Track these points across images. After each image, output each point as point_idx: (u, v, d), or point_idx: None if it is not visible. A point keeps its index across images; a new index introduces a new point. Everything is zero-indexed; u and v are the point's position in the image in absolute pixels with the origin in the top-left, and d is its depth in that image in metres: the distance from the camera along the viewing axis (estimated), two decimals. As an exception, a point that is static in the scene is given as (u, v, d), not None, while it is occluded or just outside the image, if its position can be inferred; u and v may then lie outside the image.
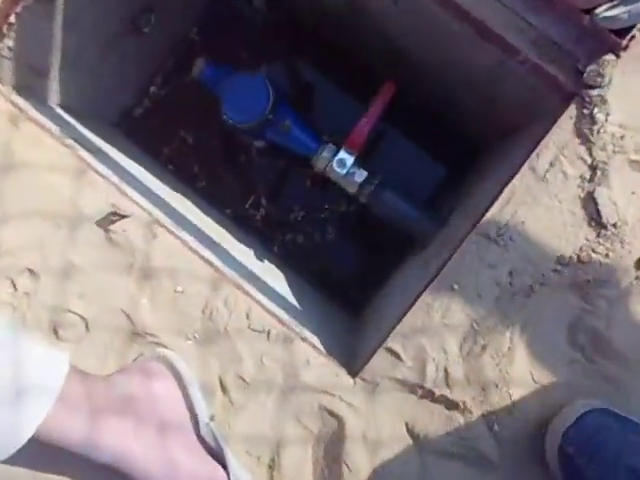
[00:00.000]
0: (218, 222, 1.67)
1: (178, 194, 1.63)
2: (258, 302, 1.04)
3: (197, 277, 1.04)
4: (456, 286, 0.98)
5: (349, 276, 1.81)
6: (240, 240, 1.71)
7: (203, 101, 1.78)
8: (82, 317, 1.01)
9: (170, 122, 1.84)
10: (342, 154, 1.41)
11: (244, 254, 1.52)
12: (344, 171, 1.41)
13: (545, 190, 0.98)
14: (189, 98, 1.82)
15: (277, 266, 1.73)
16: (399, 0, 1.19)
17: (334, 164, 1.41)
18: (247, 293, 1.04)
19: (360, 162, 1.45)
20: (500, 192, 0.99)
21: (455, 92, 1.45)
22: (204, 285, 1.04)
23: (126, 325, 1.01)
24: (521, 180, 0.98)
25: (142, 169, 1.59)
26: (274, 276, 1.59)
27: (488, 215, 0.98)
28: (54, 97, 1.47)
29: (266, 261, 1.66)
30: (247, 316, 1.02)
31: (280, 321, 1.03)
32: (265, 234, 1.82)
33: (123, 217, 1.03)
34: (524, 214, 0.98)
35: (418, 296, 1.00)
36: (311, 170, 1.72)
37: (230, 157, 1.81)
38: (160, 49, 1.77)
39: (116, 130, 1.80)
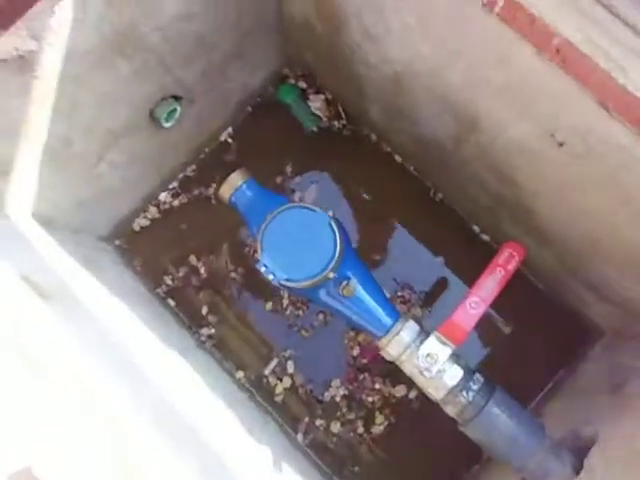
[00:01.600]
0: (224, 392, 1.16)
1: (173, 350, 1.14)
2: None
3: None
4: None
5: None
6: (252, 418, 1.19)
7: (226, 222, 1.34)
8: None
9: (179, 243, 1.37)
10: (433, 344, 0.91)
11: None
12: (433, 370, 0.91)
13: None
14: (208, 215, 1.37)
15: (298, 460, 1.20)
16: (567, 142, 0.75)
17: (419, 357, 0.92)
18: None
19: (455, 354, 0.95)
20: None
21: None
22: None
23: None
24: None
25: (126, 307, 1.10)
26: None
27: None
28: (18, 203, 1.01)
29: (285, 455, 1.14)
30: None
31: None
32: (287, 413, 1.29)
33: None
34: None
35: None
36: (369, 341, 1.23)
37: (252, 302, 1.33)
38: (181, 150, 1.33)
39: (104, 246, 1.32)
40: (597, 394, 1.07)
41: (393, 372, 1.28)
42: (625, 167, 0.70)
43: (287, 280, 0.90)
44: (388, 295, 1.28)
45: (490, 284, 0.92)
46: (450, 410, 0.97)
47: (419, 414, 1.27)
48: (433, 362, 0.92)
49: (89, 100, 0.95)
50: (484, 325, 1.27)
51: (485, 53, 0.73)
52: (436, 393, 0.96)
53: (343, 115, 1.37)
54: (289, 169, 1.37)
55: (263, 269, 0.89)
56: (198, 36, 1.04)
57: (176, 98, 1.14)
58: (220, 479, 0.82)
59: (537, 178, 0.88)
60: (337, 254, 0.89)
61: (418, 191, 1.34)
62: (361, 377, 1.28)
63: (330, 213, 0.92)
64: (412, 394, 1.28)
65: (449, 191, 1.29)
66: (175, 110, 1.14)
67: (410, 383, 1.25)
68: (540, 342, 1.27)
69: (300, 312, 1.32)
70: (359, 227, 1.32)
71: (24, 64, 0.77)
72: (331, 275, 0.91)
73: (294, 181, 1.36)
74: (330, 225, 0.90)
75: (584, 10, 0.59)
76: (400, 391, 1.28)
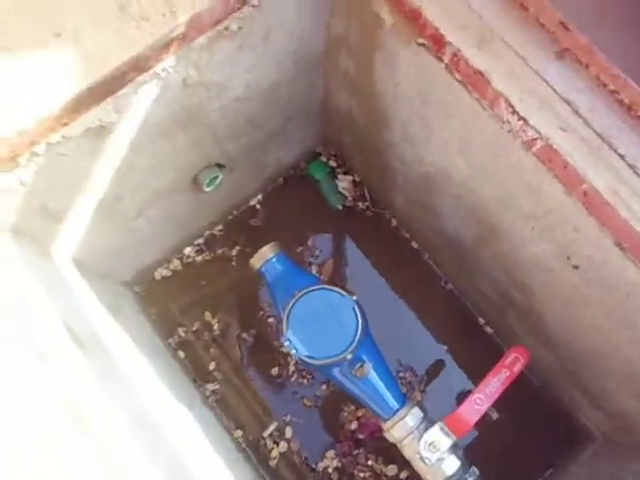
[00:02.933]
0: (222, 449, 1.19)
1: (182, 404, 1.17)
2: None
3: None
4: None
5: None
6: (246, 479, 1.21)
7: (245, 284, 1.41)
8: None
9: (196, 297, 1.43)
10: (436, 434, 0.96)
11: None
12: (433, 458, 0.96)
13: None
14: (228, 275, 1.43)
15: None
16: (582, 267, 0.83)
17: (421, 444, 0.97)
18: None
19: (455, 446, 1.00)
20: None
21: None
22: None
23: None
24: None
25: (138, 350, 1.15)
26: None
27: None
28: (63, 247, 1.07)
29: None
30: None
31: None
32: (280, 477, 1.31)
33: None
34: None
35: None
36: (368, 417, 1.27)
37: (259, 364, 1.37)
38: (212, 210, 1.41)
39: (124, 291, 1.38)
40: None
41: (387, 451, 1.31)
42: (631, 298, 0.77)
43: (308, 357, 0.95)
44: (391, 375, 1.33)
45: (495, 383, 0.98)
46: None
47: (408, 496, 1.30)
48: (435, 450, 0.97)
49: (144, 164, 1.03)
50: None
51: (518, 181, 0.82)
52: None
53: (368, 198, 1.45)
54: (310, 242, 1.44)
55: (287, 343, 0.95)
56: (250, 116, 1.13)
57: (219, 166, 1.23)
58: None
59: (550, 290, 0.95)
60: (358, 338, 0.95)
61: (430, 278, 1.41)
62: (356, 452, 1.31)
63: (354, 297, 0.99)
64: (403, 474, 1.30)
65: (460, 283, 1.36)
66: (217, 177, 1.22)
67: (402, 463, 1.30)
68: (533, 439, 1.31)
69: (305, 381, 1.36)
70: (370, 305, 1.38)
71: (102, 132, 0.85)
72: (349, 357, 0.97)
73: (313, 253, 1.43)
74: (354, 309, 0.96)
75: (613, 166, 0.68)
76: (392, 470, 1.31)
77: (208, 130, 1.08)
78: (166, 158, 1.06)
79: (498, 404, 1.31)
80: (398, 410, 1.02)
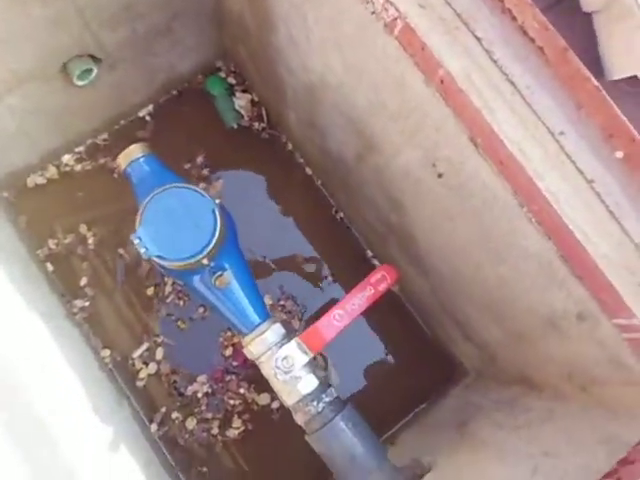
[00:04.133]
0: (81, 366, 1.12)
1: (34, 313, 1.09)
2: None
3: None
4: None
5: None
6: (104, 398, 1.15)
7: (126, 198, 1.31)
8: None
9: (72, 209, 1.33)
10: (291, 348, 0.92)
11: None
12: (287, 374, 0.92)
13: None
14: (109, 188, 1.33)
15: (146, 450, 1.17)
16: (445, 174, 0.79)
17: (277, 358, 0.92)
18: None
19: (313, 364, 0.96)
20: None
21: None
22: None
23: None
24: None
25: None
26: None
27: None
28: None
29: (134, 442, 1.10)
30: None
31: None
32: (146, 400, 1.26)
33: None
34: None
35: None
36: (238, 341, 1.22)
37: (134, 283, 1.30)
38: (93, 115, 1.30)
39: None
40: (445, 430, 1.10)
41: (260, 380, 1.27)
42: (486, 205, 0.74)
43: (158, 257, 0.88)
44: (270, 302, 1.28)
45: (358, 300, 0.94)
46: (299, 418, 0.97)
47: (278, 425, 1.27)
48: (290, 366, 0.92)
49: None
50: (358, 347, 1.31)
51: (385, 76, 0.77)
52: (288, 399, 0.96)
53: (265, 118, 1.38)
54: (200, 159, 1.36)
55: (136, 241, 0.87)
56: (126, 0, 1.03)
57: (94, 59, 1.12)
58: (39, 443, 0.78)
59: (420, 205, 0.92)
60: (214, 242, 0.88)
61: (322, 206, 1.36)
62: (228, 378, 1.27)
63: (217, 201, 0.92)
64: (275, 404, 1.27)
65: (349, 212, 1.32)
66: (91, 70, 1.11)
67: (274, 393, 1.26)
68: (410, 374, 1.31)
69: (181, 302, 1.29)
70: (258, 230, 1.32)
71: None
72: (205, 262, 0.90)
73: (202, 172, 1.35)
74: (213, 212, 0.89)
75: (468, 49, 0.64)
76: (263, 399, 1.27)
77: (72, 6, 0.97)
78: (21, 32, 0.94)
79: (377, 336, 1.31)
80: (258, 325, 0.97)
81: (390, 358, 1.31)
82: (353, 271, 1.34)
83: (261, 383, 1.27)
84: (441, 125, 0.72)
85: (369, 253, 1.35)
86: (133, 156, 1.02)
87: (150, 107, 1.38)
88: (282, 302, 1.30)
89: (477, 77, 0.63)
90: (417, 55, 0.67)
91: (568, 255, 0.64)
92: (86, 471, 0.84)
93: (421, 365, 1.31)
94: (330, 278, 1.34)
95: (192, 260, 0.88)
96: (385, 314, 1.28)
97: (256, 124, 1.39)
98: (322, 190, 1.36)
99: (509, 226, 0.72)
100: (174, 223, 0.89)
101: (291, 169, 1.37)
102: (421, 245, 1.02)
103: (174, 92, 1.39)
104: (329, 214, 1.36)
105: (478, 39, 0.63)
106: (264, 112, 1.38)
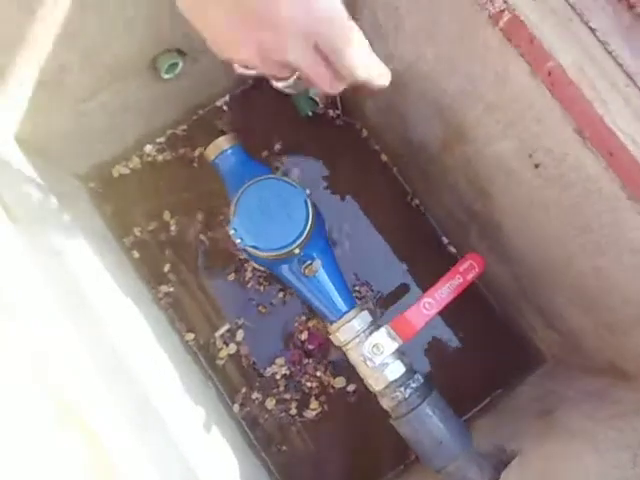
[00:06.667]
0: (170, 349, 1.17)
1: (129, 299, 1.14)
2: None
3: None
4: None
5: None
6: (192, 379, 1.20)
7: (206, 186, 1.36)
8: None
9: (155, 197, 1.37)
10: (381, 336, 0.94)
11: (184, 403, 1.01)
12: (376, 361, 0.94)
13: None
14: (189, 177, 1.37)
15: (231, 429, 1.22)
16: (542, 164, 0.78)
17: (365, 346, 0.94)
18: None
19: (400, 351, 0.98)
20: None
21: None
22: None
23: None
24: None
25: (91, 249, 1.10)
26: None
27: None
28: (3, 120, 1.00)
29: (219, 422, 1.15)
30: None
31: None
32: (227, 380, 1.31)
33: None
34: None
35: None
36: (319, 328, 1.25)
37: (216, 269, 1.34)
38: (175, 106, 1.34)
39: (78, 185, 1.32)
40: (527, 416, 1.11)
41: (336, 363, 1.31)
42: (588, 196, 0.73)
43: (253, 247, 0.91)
44: (346, 287, 1.30)
45: (447, 289, 0.95)
46: (385, 403, 1.00)
47: (354, 408, 1.30)
48: (378, 353, 0.95)
49: (91, 27, 0.94)
50: (434, 334, 1.32)
51: (484, 68, 0.76)
52: (375, 384, 0.99)
53: (339, 105, 1.39)
54: (277, 147, 1.38)
55: (232, 232, 0.91)
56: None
57: (180, 53, 1.15)
58: (150, 424, 0.83)
59: (510, 195, 0.91)
60: (306, 231, 0.91)
61: (397, 193, 1.37)
62: (305, 361, 1.30)
63: (308, 192, 0.94)
64: (350, 387, 1.30)
65: (426, 199, 1.32)
66: (177, 64, 1.14)
67: (350, 376, 1.29)
68: (486, 360, 1.31)
69: (261, 288, 1.33)
70: (334, 216, 1.34)
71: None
72: (297, 251, 0.93)
73: (279, 159, 1.37)
74: (305, 202, 0.92)
75: (582, 41, 0.63)
76: (339, 383, 1.30)
77: (167, 5, 1.00)
78: (117, 29, 0.98)
79: (453, 322, 1.32)
80: (346, 313, 1.00)
81: (465, 343, 1.32)
82: (428, 258, 1.35)
83: (337, 367, 1.31)
84: (544, 117, 0.71)
85: (445, 240, 1.35)
86: (221, 148, 1.05)
87: (227, 97, 1.41)
88: (357, 288, 1.32)
89: (590, 69, 0.62)
90: (524, 47, 0.66)
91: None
92: (193, 452, 0.89)
93: (497, 350, 1.31)
94: (404, 264, 1.35)
95: (285, 250, 0.91)
96: (461, 299, 1.28)
97: (330, 111, 1.40)
98: (398, 177, 1.36)
99: (613, 217, 0.72)
100: (268, 214, 0.92)
101: (366, 156, 1.38)
102: (507, 234, 1.01)
103: (250, 82, 1.41)
104: (404, 201, 1.36)
105: (592, 30, 0.62)
106: (338, 100, 1.39)
